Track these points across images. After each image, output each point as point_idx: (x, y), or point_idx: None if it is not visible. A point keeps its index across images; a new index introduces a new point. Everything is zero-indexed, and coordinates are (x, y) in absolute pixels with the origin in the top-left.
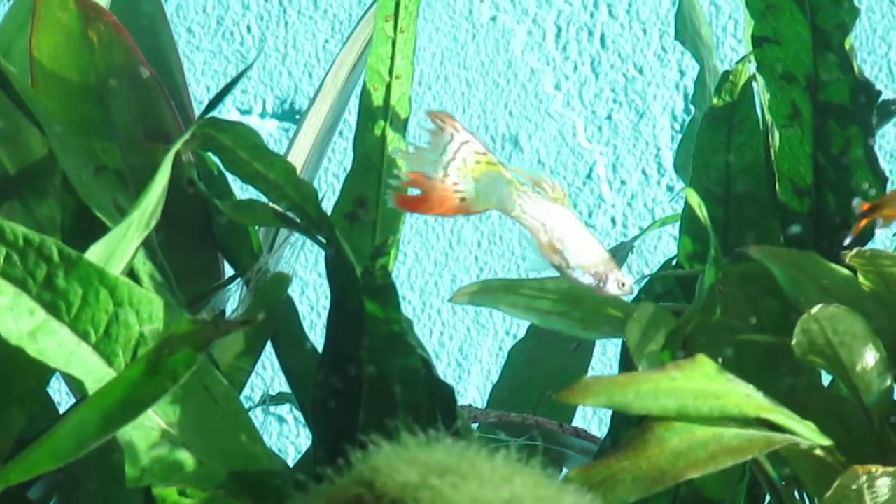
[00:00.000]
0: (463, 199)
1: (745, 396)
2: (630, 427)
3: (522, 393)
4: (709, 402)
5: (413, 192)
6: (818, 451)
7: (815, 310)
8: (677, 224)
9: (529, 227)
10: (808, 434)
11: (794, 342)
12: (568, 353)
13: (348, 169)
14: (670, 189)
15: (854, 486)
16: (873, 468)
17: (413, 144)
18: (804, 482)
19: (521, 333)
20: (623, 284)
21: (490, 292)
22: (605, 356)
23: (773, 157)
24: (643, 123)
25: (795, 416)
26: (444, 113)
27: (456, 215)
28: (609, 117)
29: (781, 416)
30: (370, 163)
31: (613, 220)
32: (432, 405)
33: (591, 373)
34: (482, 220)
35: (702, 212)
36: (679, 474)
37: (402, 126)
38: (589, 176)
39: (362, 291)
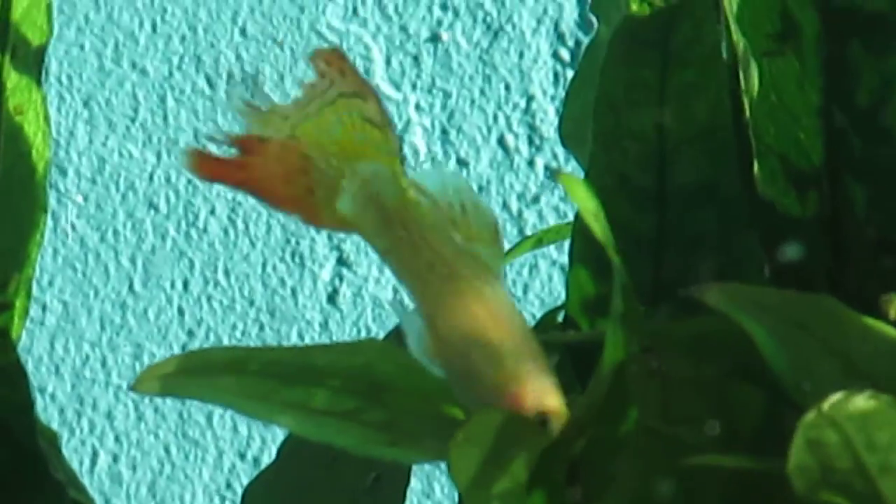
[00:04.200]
0: (310, 192)
1: None
2: None
3: None
4: None
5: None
6: None
7: (831, 403)
8: (566, 244)
9: (408, 286)
10: None
11: (791, 465)
12: (358, 494)
13: None
14: (551, 177)
15: None
16: None
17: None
18: None
19: (270, 455)
20: (544, 422)
21: (204, 373)
22: (428, 500)
23: (746, 114)
24: (498, 51)
25: None
26: (333, 52)
27: (288, 214)
28: (434, 39)
29: None
30: None
31: None
32: None
33: None
34: (189, 241)
35: (599, 220)
36: None
37: (33, 62)
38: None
39: None
